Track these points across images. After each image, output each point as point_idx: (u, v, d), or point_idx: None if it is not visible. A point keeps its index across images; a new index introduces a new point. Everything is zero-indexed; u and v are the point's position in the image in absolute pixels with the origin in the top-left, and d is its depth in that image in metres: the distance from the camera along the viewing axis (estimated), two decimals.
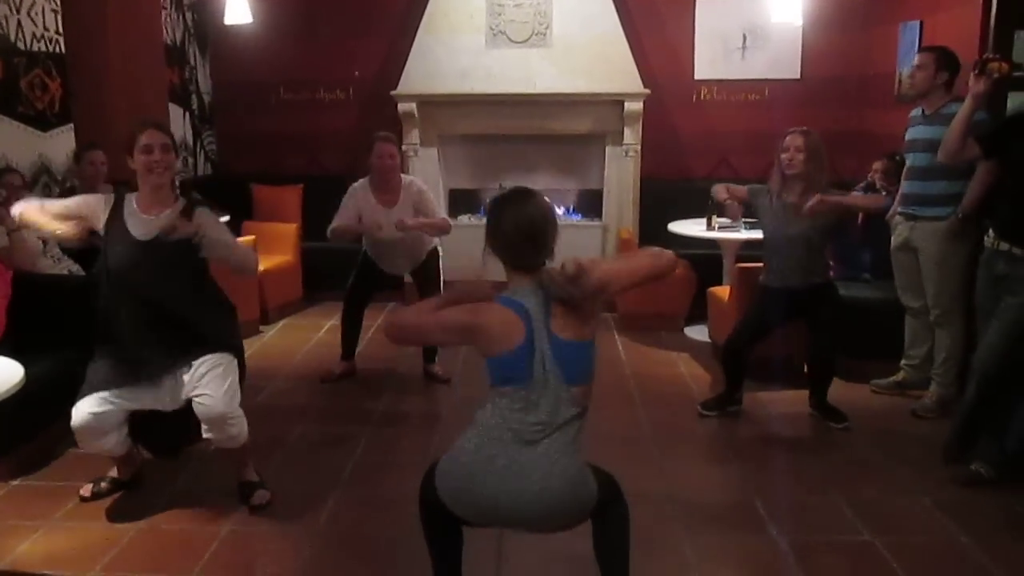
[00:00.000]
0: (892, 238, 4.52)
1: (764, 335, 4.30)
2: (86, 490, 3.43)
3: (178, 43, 6.68)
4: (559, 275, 2.21)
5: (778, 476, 3.78)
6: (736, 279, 4.91)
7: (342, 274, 5.02)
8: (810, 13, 6.21)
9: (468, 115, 6.58)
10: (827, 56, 6.61)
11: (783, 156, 4.06)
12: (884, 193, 4.99)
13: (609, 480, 2.42)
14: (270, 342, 5.72)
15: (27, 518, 3.27)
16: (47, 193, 5.03)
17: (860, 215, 5.07)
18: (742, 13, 6.68)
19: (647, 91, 6.48)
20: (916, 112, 4.36)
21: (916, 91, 4.26)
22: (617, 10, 6.53)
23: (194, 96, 6.97)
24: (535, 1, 6.55)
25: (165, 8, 6.37)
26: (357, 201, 4.68)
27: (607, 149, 6.68)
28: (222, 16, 6.15)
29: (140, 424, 3.36)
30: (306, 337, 5.78)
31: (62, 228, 3.15)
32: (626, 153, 6.64)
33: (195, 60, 6.99)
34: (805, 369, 4.66)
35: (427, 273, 4.91)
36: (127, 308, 3.18)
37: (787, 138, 4.08)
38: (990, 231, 3.65)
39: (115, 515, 3.32)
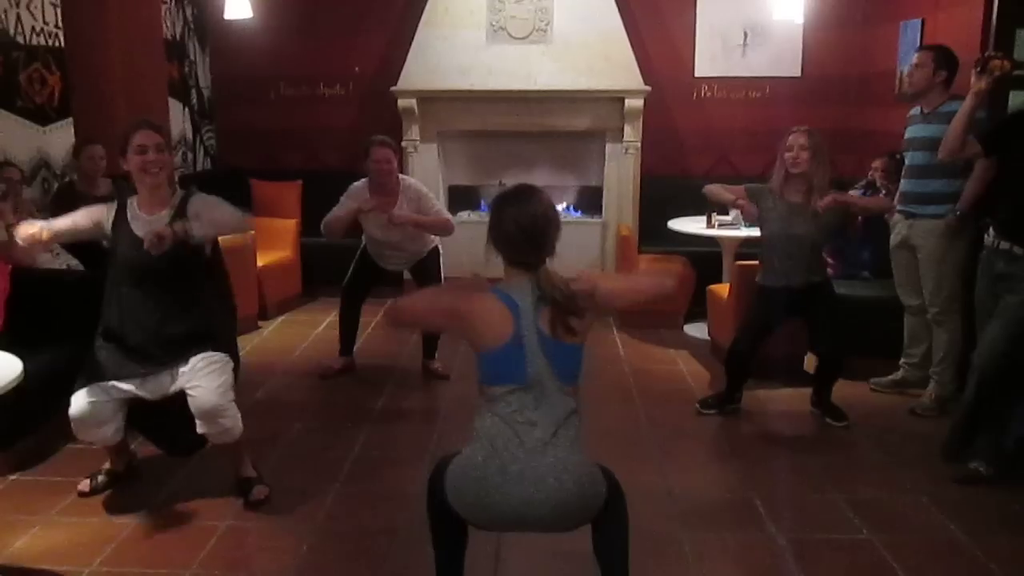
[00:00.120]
0: (891, 236, 4.53)
1: (766, 336, 4.29)
2: (84, 485, 3.43)
3: (178, 38, 6.66)
4: (563, 283, 2.23)
5: (777, 474, 3.78)
6: (736, 277, 4.91)
7: (341, 270, 5.02)
8: (811, 11, 6.20)
9: (468, 111, 6.57)
10: (828, 54, 6.61)
11: (787, 155, 4.05)
12: (884, 192, 4.99)
13: (610, 476, 2.42)
14: (269, 338, 5.72)
15: (25, 513, 3.27)
16: (46, 187, 5.03)
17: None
18: (743, 10, 6.67)
19: (647, 88, 6.47)
20: (915, 111, 4.36)
21: (915, 90, 4.26)
22: (618, 7, 6.52)
23: (194, 91, 6.96)
24: None
25: (165, 3, 6.36)
26: (356, 201, 4.67)
27: (607, 146, 6.69)
28: (222, 11, 6.14)
29: (150, 424, 3.40)
30: (305, 333, 5.78)
31: (47, 234, 3.25)
32: (626, 150, 6.64)
33: (195, 55, 6.98)
34: (805, 365, 4.66)
35: (427, 271, 4.89)
36: (133, 306, 3.22)
37: (790, 137, 4.07)
38: (990, 230, 3.65)
39: (113, 510, 3.32)
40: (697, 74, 6.87)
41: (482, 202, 6.97)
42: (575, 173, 6.98)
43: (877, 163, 5.18)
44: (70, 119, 5.11)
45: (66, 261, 4.44)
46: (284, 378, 4.92)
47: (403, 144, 6.45)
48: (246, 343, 5.42)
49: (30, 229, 3.20)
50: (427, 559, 2.54)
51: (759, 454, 4.00)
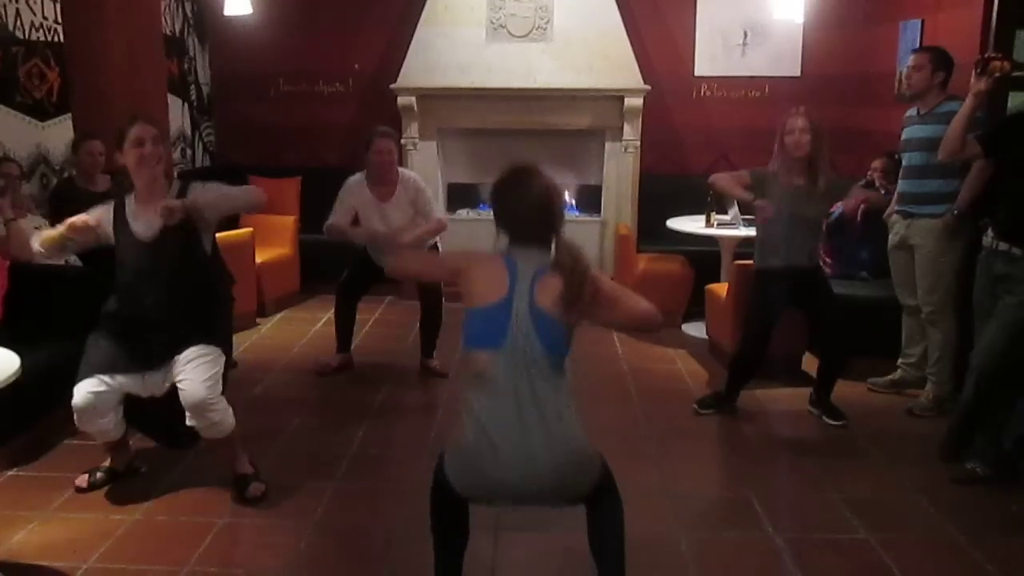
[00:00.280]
0: (889, 236, 4.53)
1: (771, 331, 4.24)
2: (82, 480, 3.43)
3: (177, 34, 6.65)
4: (579, 253, 2.24)
5: (775, 473, 3.79)
6: (734, 276, 4.91)
7: (340, 267, 5.01)
8: (811, 10, 6.19)
9: (468, 109, 6.57)
10: (828, 54, 6.60)
11: (787, 139, 4.04)
12: (883, 192, 4.99)
13: (605, 466, 2.41)
14: (267, 335, 5.71)
15: (22, 509, 3.26)
16: (44, 183, 5.02)
17: (859, 214, 5.07)
18: (743, 9, 6.67)
19: (647, 87, 6.47)
20: (911, 112, 4.36)
21: (913, 91, 4.26)
22: (618, 6, 6.52)
23: (193, 87, 6.95)
24: None
25: None
26: (353, 197, 4.66)
27: (606, 145, 6.69)
28: (222, 7, 6.13)
29: (146, 419, 3.41)
30: (303, 330, 5.77)
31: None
32: (625, 149, 6.64)
33: (194, 51, 6.97)
34: (803, 365, 4.66)
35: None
36: (135, 300, 3.25)
37: (789, 121, 4.06)
38: (989, 231, 3.65)
39: (110, 506, 3.32)
40: (697, 73, 6.87)
41: (481, 201, 6.97)
42: (574, 171, 6.96)
43: (876, 163, 5.19)
44: (69, 115, 5.11)
45: (64, 257, 4.43)
46: (282, 375, 4.91)
47: (403, 142, 6.44)
48: (244, 340, 5.42)
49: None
50: (425, 556, 2.54)
51: (757, 454, 4.00)
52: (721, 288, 5.28)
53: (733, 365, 4.40)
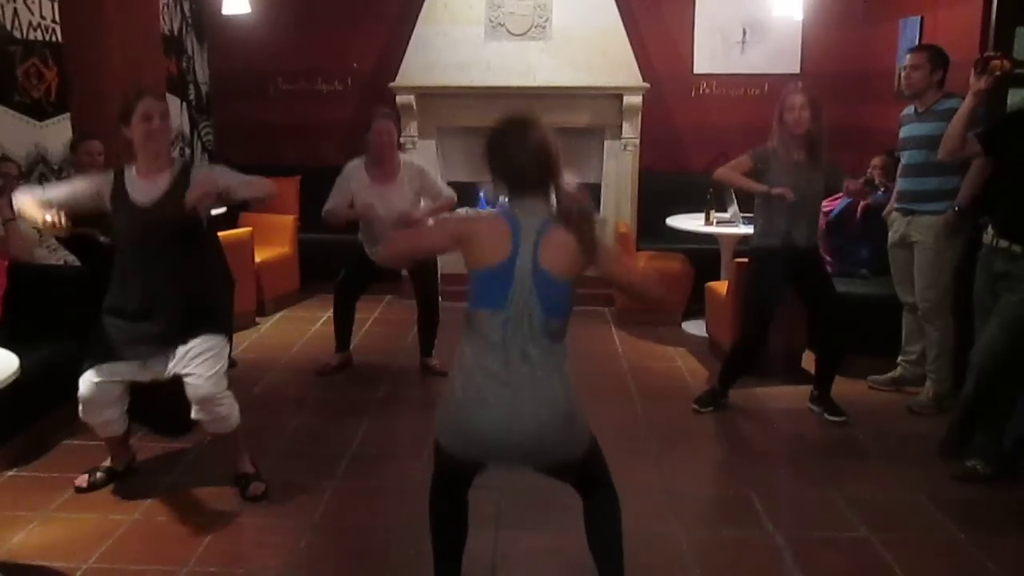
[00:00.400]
0: (889, 234, 4.53)
1: (772, 310, 4.22)
2: (82, 480, 3.43)
3: (176, 33, 6.64)
4: (580, 199, 2.24)
5: (775, 471, 3.78)
6: (734, 274, 4.90)
7: (340, 265, 5.00)
8: (810, 8, 6.19)
9: (467, 107, 6.55)
10: (827, 51, 6.60)
11: (787, 116, 4.03)
12: (883, 189, 4.99)
13: (596, 446, 2.40)
14: (267, 334, 5.71)
15: (22, 509, 3.26)
16: (43, 182, 5.01)
17: (859, 212, 5.08)
18: (742, 7, 6.66)
19: (646, 85, 6.46)
20: (908, 111, 4.36)
21: (912, 91, 4.25)
22: (617, 3, 6.51)
23: (192, 86, 6.94)
24: None
25: None
26: (351, 181, 4.65)
27: (605, 143, 6.68)
28: (220, 6, 6.12)
29: (141, 403, 3.40)
30: (303, 329, 5.77)
31: (50, 219, 3.11)
32: (625, 147, 6.63)
33: (193, 50, 6.96)
34: (803, 363, 4.66)
35: (424, 265, 4.86)
36: (136, 276, 3.22)
37: (788, 97, 4.06)
38: (988, 228, 3.65)
39: (110, 506, 3.31)
40: (696, 71, 6.86)
41: (481, 198, 6.95)
42: (573, 169, 6.88)
43: (876, 161, 5.18)
44: (67, 114, 5.10)
45: (63, 257, 4.43)
46: (282, 374, 4.91)
47: (401, 140, 6.43)
48: (244, 339, 5.42)
49: (43, 216, 3.09)
50: (425, 555, 2.54)
51: (757, 452, 4.00)
52: (721, 286, 5.27)
53: (731, 353, 4.39)
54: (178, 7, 6.69)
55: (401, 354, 5.20)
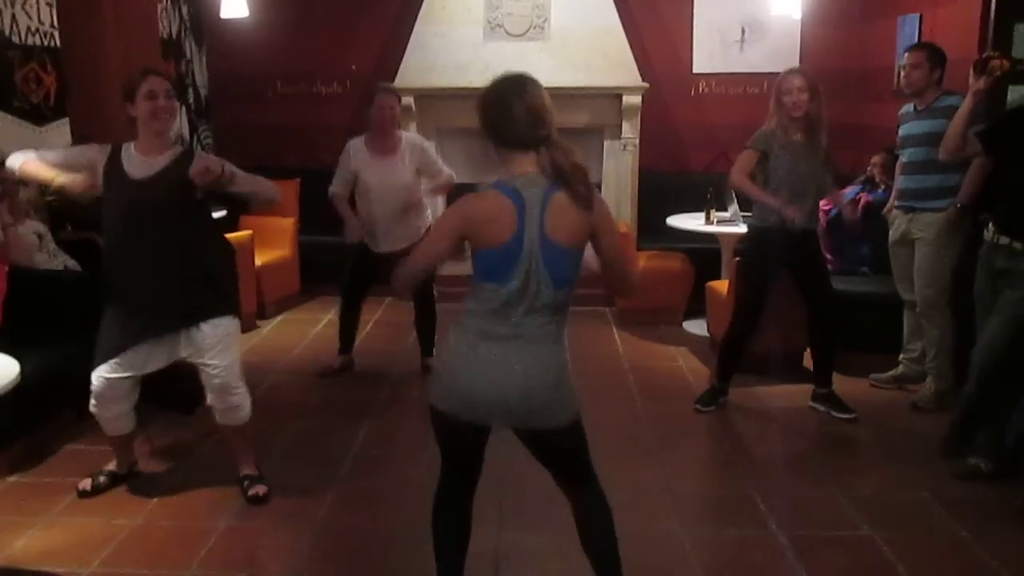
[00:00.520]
0: (890, 232, 4.52)
1: (766, 293, 4.22)
2: (85, 484, 3.43)
3: (174, 36, 6.64)
4: (572, 153, 2.23)
5: (777, 470, 3.78)
6: (735, 273, 4.89)
7: (340, 268, 5.00)
8: (809, 6, 6.18)
9: (466, 109, 6.40)
10: (826, 49, 6.59)
11: (785, 99, 4.03)
12: (883, 187, 4.99)
13: (586, 446, 2.39)
14: (268, 336, 5.71)
15: (24, 514, 3.26)
16: (42, 188, 5.00)
17: (859, 209, 5.07)
18: (740, 6, 6.66)
19: (645, 85, 6.46)
20: (907, 109, 4.36)
21: (913, 90, 4.25)
22: (615, 3, 6.51)
23: (191, 90, 6.94)
24: None
25: (161, 2, 6.33)
26: (353, 159, 4.67)
27: (605, 143, 6.67)
28: (218, 9, 6.12)
29: (152, 381, 3.39)
30: (304, 331, 5.77)
31: (64, 178, 3.11)
32: (624, 147, 6.63)
33: (191, 54, 6.96)
34: (806, 360, 4.65)
35: None
36: (132, 255, 3.17)
37: (785, 81, 4.05)
38: (989, 225, 3.65)
39: (112, 511, 3.31)
40: (695, 70, 6.86)
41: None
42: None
43: (876, 159, 5.19)
44: (66, 119, 5.10)
45: (63, 262, 4.43)
46: (283, 376, 4.91)
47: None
48: (245, 342, 5.40)
49: (52, 176, 3.08)
50: (428, 557, 2.53)
51: (759, 451, 4.00)
52: (722, 285, 5.27)
53: (724, 342, 4.40)
54: (176, 11, 6.69)
55: (402, 355, 5.20)
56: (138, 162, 3.18)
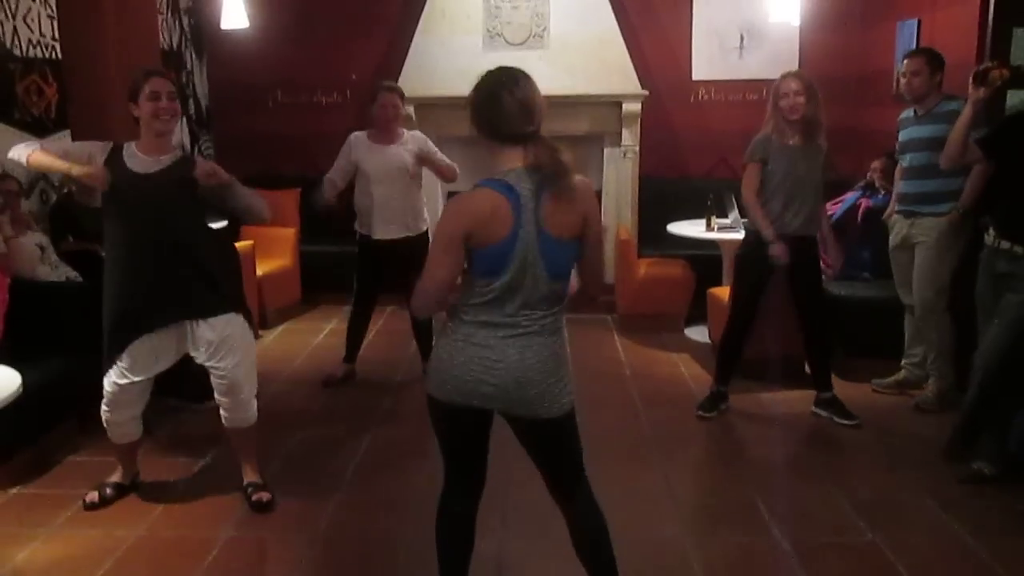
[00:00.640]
0: (890, 237, 4.53)
1: (761, 294, 4.23)
2: (92, 496, 3.42)
3: (175, 48, 6.67)
4: (557, 150, 2.21)
5: (780, 476, 3.77)
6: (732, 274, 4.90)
7: (341, 277, 5.00)
8: (808, 12, 6.20)
9: (466, 117, 6.52)
10: (825, 55, 6.59)
11: (782, 103, 4.03)
12: (883, 192, 4.99)
13: (579, 445, 2.39)
14: (270, 346, 5.71)
15: (27, 526, 3.26)
16: (44, 199, 5.03)
17: (859, 214, 5.07)
18: (739, 13, 6.67)
19: (645, 92, 6.47)
20: (907, 114, 4.37)
21: (914, 96, 4.26)
22: (614, 11, 6.53)
23: (191, 100, 6.96)
24: (532, 3, 6.56)
25: (162, 13, 6.36)
26: (354, 149, 4.72)
27: (605, 150, 6.68)
28: (219, 20, 6.14)
29: (165, 372, 3.40)
30: (306, 341, 5.77)
31: (80, 169, 3.11)
32: (624, 154, 6.64)
33: (192, 64, 6.98)
34: (806, 365, 4.65)
35: (420, 260, 4.84)
36: (132, 250, 3.17)
37: (782, 84, 4.05)
38: (990, 229, 3.65)
39: (115, 522, 3.31)
40: (694, 77, 6.87)
41: None
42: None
43: (876, 164, 5.19)
44: (67, 130, 5.11)
45: (65, 273, 4.44)
46: (286, 386, 4.91)
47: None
48: None
49: (68, 166, 3.12)
50: (431, 566, 2.52)
51: (762, 457, 3.99)
52: (723, 291, 5.26)
53: (721, 344, 4.40)
54: (177, 22, 6.71)
55: (405, 364, 5.20)
56: (140, 160, 3.20)
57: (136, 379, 3.25)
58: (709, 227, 5.64)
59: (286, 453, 3.96)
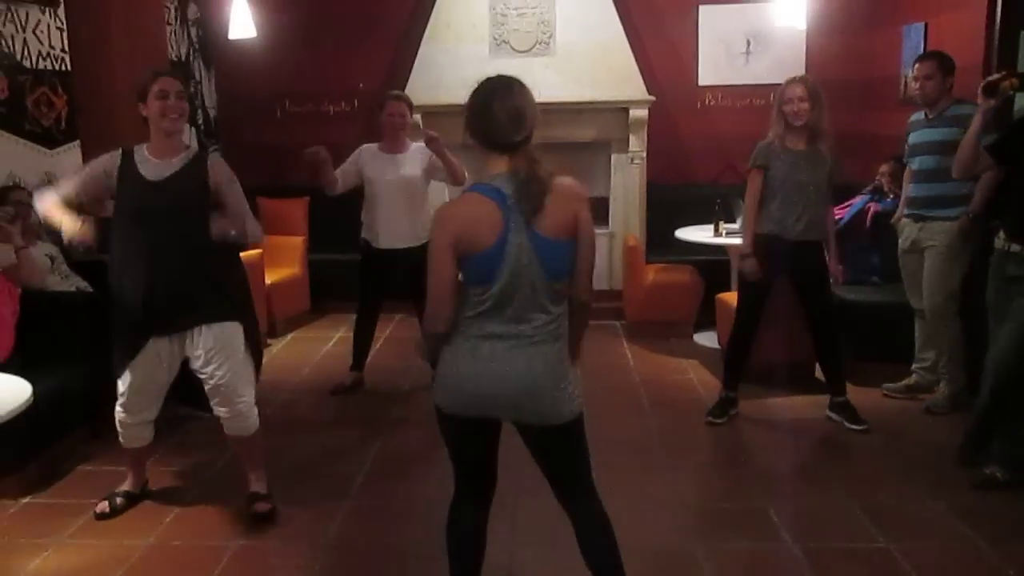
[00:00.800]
0: (899, 241, 4.51)
1: (766, 296, 4.23)
2: (103, 507, 3.42)
3: (183, 58, 6.70)
4: (535, 165, 2.22)
5: (791, 482, 3.75)
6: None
7: (350, 286, 5.01)
8: (813, 16, 6.19)
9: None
10: (831, 59, 6.58)
11: (786, 108, 4.04)
12: (891, 196, 4.97)
13: (587, 450, 2.38)
14: (279, 355, 5.72)
15: (37, 536, 3.26)
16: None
17: (868, 218, 5.06)
18: (745, 18, 6.67)
19: (651, 98, 6.48)
20: (917, 116, 4.36)
21: (926, 101, 4.25)
22: (620, 18, 6.53)
23: (200, 111, 6.99)
24: (538, 10, 6.57)
25: (170, 24, 6.40)
26: (362, 155, 4.77)
27: (612, 156, 6.69)
28: (226, 31, 6.17)
29: (183, 382, 3.42)
30: (315, 349, 5.78)
31: (67, 224, 3.13)
32: (631, 160, 6.64)
33: (200, 75, 7.02)
34: (817, 371, 4.64)
35: (420, 276, 4.83)
36: (142, 256, 3.17)
37: (786, 89, 4.06)
38: (1000, 233, 3.64)
39: (124, 532, 3.31)
40: (701, 83, 6.87)
41: None
42: (581, 183, 6.96)
43: (884, 168, 5.17)
44: (77, 141, 5.14)
45: (75, 283, 4.45)
46: (295, 394, 4.92)
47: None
48: None
49: (71, 223, 3.12)
50: (441, 574, 2.52)
51: (772, 463, 3.97)
52: (731, 297, 5.25)
53: (728, 346, 4.40)
54: (185, 33, 6.75)
55: (414, 372, 5.20)
56: (152, 165, 3.21)
57: (151, 382, 3.27)
58: (717, 232, 5.63)
59: (295, 461, 3.96)
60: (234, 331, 3.27)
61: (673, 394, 4.84)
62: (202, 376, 3.26)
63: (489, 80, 2.33)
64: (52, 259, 4.40)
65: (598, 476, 2.43)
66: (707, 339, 5.77)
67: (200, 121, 6.99)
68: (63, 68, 5.11)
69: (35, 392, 2.71)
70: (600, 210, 6.84)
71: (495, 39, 6.59)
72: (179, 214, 3.16)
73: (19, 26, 4.77)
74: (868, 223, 5.06)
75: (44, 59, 4.98)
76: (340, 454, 4.05)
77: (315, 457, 4.04)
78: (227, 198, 3.24)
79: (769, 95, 6.72)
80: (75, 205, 3.21)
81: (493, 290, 2.19)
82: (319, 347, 5.82)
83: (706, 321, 5.79)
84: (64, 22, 5.06)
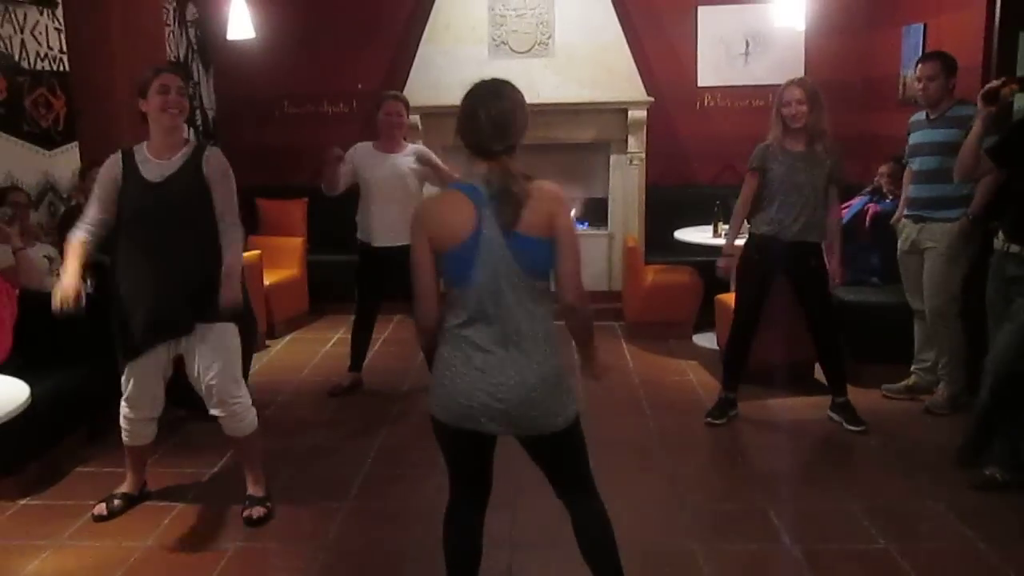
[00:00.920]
0: (899, 242, 4.51)
1: (764, 296, 4.24)
2: (101, 509, 3.42)
3: (182, 59, 6.70)
4: (511, 178, 2.20)
5: (791, 483, 3.75)
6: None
7: (348, 287, 5.01)
8: (813, 17, 6.19)
9: None
10: (830, 60, 6.59)
11: (784, 111, 4.04)
12: (891, 197, 4.97)
13: (585, 451, 2.38)
14: (277, 356, 5.71)
15: (35, 537, 3.26)
16: (52, 211, 5.04)
17: (867, 219, 5.06)
18: (744, 19, 6.68)
19: (651, 99, 6.48)
20: (919, 117, 4.35)
21: (930, 102, 4.24)
22: (619, 19, 6.54)
23: (198, 112, 6.99)
24: (537, 11, 6.58)
25: (168, 25, 6.39)
26: (356, 153, 4.75)
27: (611, 157, 6.69)
28: (225, 31, 6.17)
29: (181, 386, 3.41)
30: (313, 350, 5.77)
31: (71, 296, 3.09)
32: (631, 161, 6.64)
33: (199, 76, 7.01)
34: (817, 372, 4.64)
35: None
36: (145, 257, 3.18)
37: (785, 92, 4.07)
38: (999, 233, 3.63)
39: (124, 533, 3.31)
40: (700, 84, 6.87)
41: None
42: (580, 185, 6.97)
43: (883, 168, 5.17)
44: (75, 143, 5.14)
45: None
46: (293, 395, 4.91)
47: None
48: (255, 362, 5.40)
49: (73, 288, 3.10)
50: None
51: (772, 464, 3.97)
52: (731, 298, 5.24)
53: (727, 346, 4.40)
54: (183, 33, 6.75)
55: (412, 373, 5.20)
56: (152, 165, 3.21)
57: (153, 376, 3.28)
58: (716, 233, 5.63)
59: (294, 462, 3.95)
60: (229, 332, 3.27)
61: (672, 395, 4.83)
62: (195, 376, 3.26)
63: (479, 85, 2.32)
64: (50, 260, 4.39)
65: (598, 476, 2.43)
66: (706, 340, 5.77)
67: (198, 122, 6.98)
68: (61, 69, 5.10)
69: (33, 393, 2.70)
70: (599, 211, 6.86)
71: (494, 40, 6.59)
72: (180, 215, 3.17)
73: (17, 27, 4.77)
74: (867, 224, 5.06)
75: (42, 60, 4.98)
76: (339, 455, 4.05)
77: (314, 458, 4.03)
78: (215, 194, 3.23)
79: (768, 96, 6.74)
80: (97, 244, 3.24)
81: (472, 289, 2.19)
82: (318, 348, 5.81)
83: (705, 322, 5.78)
84: (62, 23, 5.06)
